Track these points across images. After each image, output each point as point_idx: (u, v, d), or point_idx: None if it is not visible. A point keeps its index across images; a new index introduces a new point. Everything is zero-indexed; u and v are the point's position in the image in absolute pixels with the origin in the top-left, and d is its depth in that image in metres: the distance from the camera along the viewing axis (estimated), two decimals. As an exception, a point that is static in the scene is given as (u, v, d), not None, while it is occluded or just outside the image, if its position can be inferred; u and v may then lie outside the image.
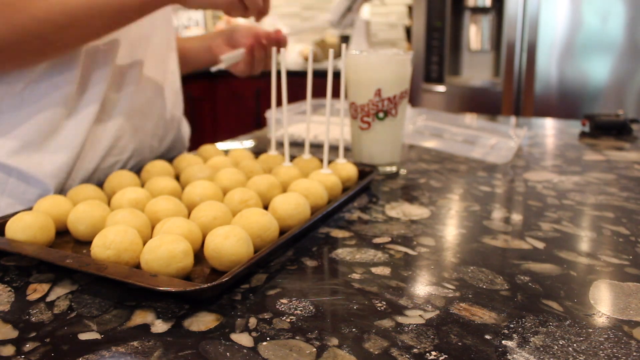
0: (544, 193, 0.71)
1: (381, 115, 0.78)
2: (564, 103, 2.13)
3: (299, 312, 0.40)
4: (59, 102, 0.64)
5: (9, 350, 0.35)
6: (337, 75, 0.67)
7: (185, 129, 0.93)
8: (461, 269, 0.48)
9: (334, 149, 0.93)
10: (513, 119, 1.39)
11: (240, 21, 3.23)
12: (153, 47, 0.78)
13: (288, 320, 0.39)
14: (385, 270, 0.47)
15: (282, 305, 0.41)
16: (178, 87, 0.87)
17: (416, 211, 0.64)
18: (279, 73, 0.73)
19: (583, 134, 1.13)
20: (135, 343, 0.36)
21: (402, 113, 0.80)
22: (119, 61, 0.72)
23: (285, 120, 0.72)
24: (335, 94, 0.76)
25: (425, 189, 0.73)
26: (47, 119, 0.64)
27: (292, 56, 3.20)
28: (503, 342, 0.36)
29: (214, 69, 0.86)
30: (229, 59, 0.84)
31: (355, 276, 0.46)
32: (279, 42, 0.85)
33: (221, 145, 0.95)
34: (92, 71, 0.68)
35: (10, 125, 0.63)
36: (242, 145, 1.03)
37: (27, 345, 0.36)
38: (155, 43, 0.79)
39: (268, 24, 3.23)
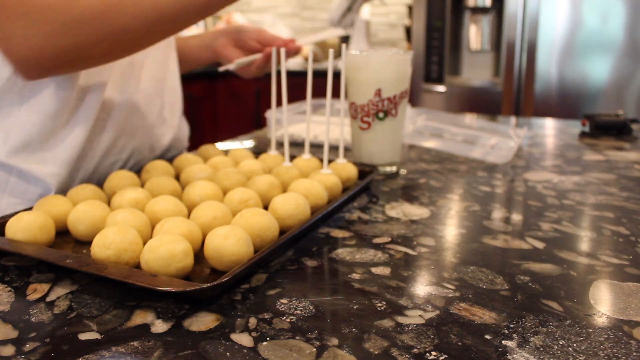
0: (544, 193, 0.71)
1: (381, 115, 0.78)
2: (564, 103, 2.13)
3: (299, 312, 0.40)
4: (60, 102, 0.64)
5: (9, 350, 0.35)
6: (337, 75, 0.67)
7: (185, 129, 0.93)
8: (461, 269, 0.48)
9: (334, 149, 0.93)
10: (513, 119, 1.39)
11: (240, 21, 3.23)
12: (153, 47, 0.78)
13: (288, 320, 0.39)
14: (385, 270, 0.47)
15: (282, 305, 0.41)
16: (178, 87, 0.87)
17: (416, 211, 0.64)
18: (279, 73, 0.73)
19: (583, 134, 1.13)
20: (135, 343, 0.36)
21: (402, 113, 0.80)
22: (119, 61, 0.72)
23: (285, 120, 0.72)
24: (335, 94, 0.76)
25: (425, 189, 0.73)
26: (49, 119, 0.64)
27: (292, 56, 3.20)
28: (503, 342, 0.36)
29: (222, 69, 0.86)
30: (241, 63, 0.84)
31: (355, 276, 0.46)
32: (295, 51, 0.85)
33: (221, 145, 0.95)
34: (93, 70, 0.68)
35: (10, 124, 0.63)
36: (242, 145, 1.03)
37: (27, 345, 0.36)
38: (155, 45, 0.79)
39: (268, 23, 3.23)
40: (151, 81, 0.78)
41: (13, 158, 0.63)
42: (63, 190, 0.67)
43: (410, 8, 2.95)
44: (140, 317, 0.40)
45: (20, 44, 0.55)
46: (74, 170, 0.68)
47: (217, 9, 0.63)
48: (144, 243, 0.46)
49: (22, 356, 0.35)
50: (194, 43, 0.94)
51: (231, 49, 0.89)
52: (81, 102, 0.67)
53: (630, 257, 0.50)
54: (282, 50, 0.72)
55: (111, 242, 0.45)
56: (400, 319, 0.39)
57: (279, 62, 0.74)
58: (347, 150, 0.91)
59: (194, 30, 3.49)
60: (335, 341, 0.36)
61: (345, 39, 3.13)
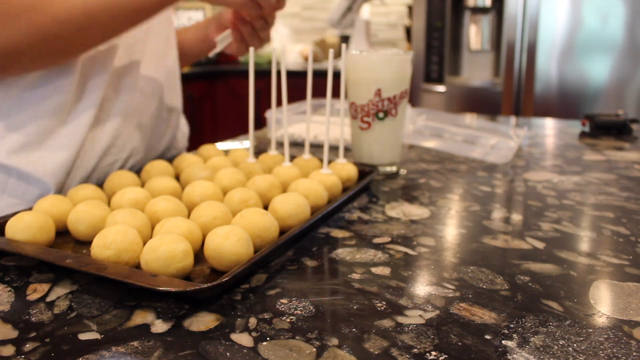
0: (544, 193, 0.71)
1: (381, 115, 0.78)
2: (564, 103, 2.13)
3: (299, 312, 0.40)
4: (58, 104, 0.64)
5: (9, 350, 0.35)
6: (337, 75, 0.67)
7: (184, 128, 0.93)
8: (461, 269, 0.48)
9: (334, 149, 0.93)
10: (513, 119, 1.39)
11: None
12: (152, 45, 0.78)
13: (288, 320, 0.39)
14: (385, 270, 0.47)
15: (282, 305, 0.41)
16: (177, 85, 0.87)
17: (416, 211, 0.64)
18: (279, 73, 0.73)
19: (583, 134, 1.13)
20: (135, 343, 0.36)
21: (402, 113, 0.80)
22: (118, 60, 0.72)
23: (285, 120, 0.72)
24: (335, 94, 0.76)
25: (425, 189, 0.73)
26: (47, 120, 0.64)
27: (292, 56, 3.20)
28: (503, 342, 0.36)
29: (211, 54, 0.86)
30: (220, 40, 0.83)
31: (355, 276, 0.46)
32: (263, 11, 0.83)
33: (221, 145, 0.95)
34: (90, 73, 0.68)
35: (9, 126, 0.64)
36: (242, 145, 1.03)
37: (27, 345, 0.36)
38: (154, 41, 0.79)
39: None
40: (150, 80, 0.78)
41: (12, 159, 0.63)
42: (62, 191, 0.67)
43: (410, 8, 2.95)
44: (140, 317, 0.40)
45: None
46: (72, 170, 0.68)
47: (147, 15, 0.64)
48: (144, 243, 0.46)
49: (22, 356, 0.35)
50: (190, 36, 0.94)
51: (218, 34, 0.88)
52: (79, 102, 0.67)
53: (630, 257, 0.50)
54: (283, 50, 0.72)
55: (111, 242, 0.45)
56: (400, 319, 0.39)
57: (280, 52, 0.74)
58: (347, 150, 0.91)
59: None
60: (335, 341, 0.36)
61: (345, 39, 3.13)
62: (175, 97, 0.86)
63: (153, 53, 0.78)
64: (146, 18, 0.64)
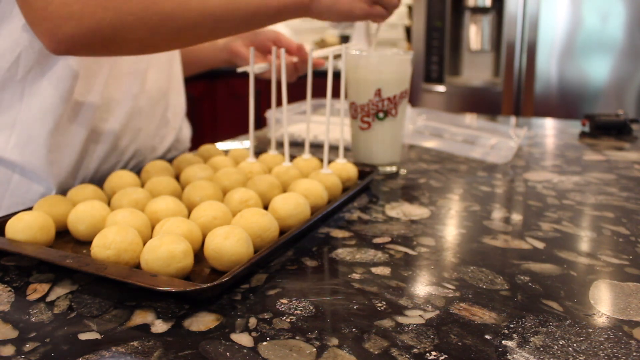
0: (544, 193, 0.71)
1: (381, 115, 0.78)
2: (564, 103, 2.13)
3: (299, 312, 0.40)
4: (60, 95, 0.64)
5: (9, 350, 0.35)
6: (337, 75, 0.67)
7: (187, 130, 0.93)
8: (461, 269, 0.48)
9: (334, 149, 0.93)
10: (513, 119, 1.39)
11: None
12: None
13: (288, 320, 0.39)
14: (385, 270, 0.47)
15: (282, 305, 0.41)
16: (181, 88, 0.87)
17: (416, 211, 0.64)
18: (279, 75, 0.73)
19: (583, 134, 1.13)
20: (135, 343, 0.36)
21: (402, 113, 0.80)
22: (124, 63, 0.72)
23: (285, 120, 0.72)
24: (335, 94, 0.76)
25: (425, 189, 0.73)
26: (49, 113, 0.64)
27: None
28: (503, 342, 0.36)
29: (240, 70, 0.85)
30: (260, 68, 0.83)
31: (355, 276, 0.46)
32: (301, 57, 0.85)
33: (221, 145, 0.95)
34: (94, 73, 0.67)
35: (12, 119, 0.63)
36: (242, 145, 1.03)
37: (27, 345, 0.36)
38: None
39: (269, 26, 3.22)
40: (156, 83, 0.78)
41: (17, 155, 0.63)
42: (64, 190, 0.67)
43: (410, 8, 2.95)
44: (140, 317, 0.40)
45: (58, 10, 0.52)
46: (75, 171, 0.68)
47: (264, 23, 0.63)
48: (144, 243, 0.46)
49: (22, 356, 0.35)
50: (209, 44, 0.94)
51: (245, 50, 0.88)
52: (83, 103, 0.67)
53: (630, 257, 0.50)
54: (282, 51, 0.72)
55: (111, 242, 0.45)
56: (400, 319, 0.39)
57: (278, 56, 0.74)
58: (347, 150, 0.91)
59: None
60: (335, 341, 0.36)
61: (345, 39, 3.13)
62: (179, 100, 0.86)
63: (159, 57, 0.78)
64: (258, 26, 0.64)
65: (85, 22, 0.52)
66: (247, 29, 0.64)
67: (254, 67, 0.80)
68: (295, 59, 0.85)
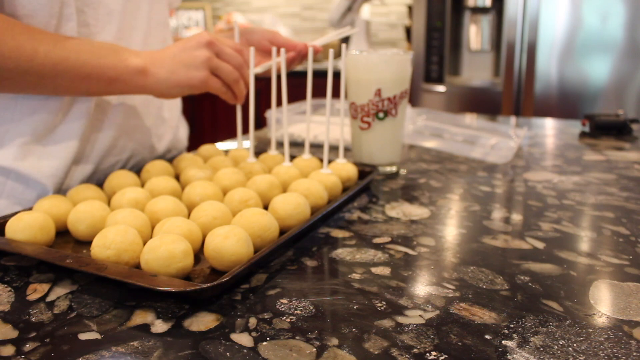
0: (544, 193, 0.71)
1: (381, 115, 0.78)
2: (564, 103, 2.13)
3: (299, 312, 0.40)
4: (53, 101, 0.64)
5: (9, 350, 0.35)
6: (337, 75, 0.67)
7: (184, 129, 0.93)
8: (461, 269, 0.48)
9: (334, 149, 0.93)
10: (513, 119, 1.39)
11: (240, 20, 3.23)
12: (150, 46, 0.78)
13: (288, 320, 0.39)
14: (385, 270, 0.47)
15: (282, 305, 0.41)
16: None
17: (416, 211, 0.64)
18: (279, 73, 0.73)
19: (583, 134, 1.13)
20: (135, 343, 0.36)
21: (402, 113, 0.80)
22: None
23: (285, 120, 0.72)
24: (335, 94, 0.76)
25: (425, 189, 0.73)
26: (42, 119, 0.64)
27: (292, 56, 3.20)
28: (503, 342, 0.36)
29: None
30: (263, 67, 0.83)
31: (355, 276, 0.46)
32: (302, 55, 0.84)
33: (221, 145, 0.95)
34: None
35: (5, 126, 0.63)
36: (242, 145, 1.03)
37: (27, 345, 0.36)
38: (153, 44, 0.79)
39: (268, 23, 3.23)
40: None
41: (10, 160, 0.63)
42: (61, 192, 0.67)
43: (410, 8, 2.95)
44: (140, 317, 0.40)
45: None
46: (72, 171, 0.68)
47: (100, 89, 0.63)
48: (144, 243, 0.46)
49: (22, 356, 0.35)
50: None
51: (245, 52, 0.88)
52: (75, 103, 0.67)
53: (630, 257, 0.50)
54: (282, 50, 0.72)
55: (111, 242, 0.45)
56: (400, 319, 0.39)
57: (279, 55, 0.74)
58: (347, 150, 0.91)
59: (195, 31, 3.49)
60: (335, 341, 0.36)
61: (345, 39, 3.13)
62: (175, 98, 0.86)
63: None
64: (98, 90, 0.63)
65: None
66: (88, 93, 0.64)
67: (257, 68, 0.80)
68: (292, 54, 0.84)
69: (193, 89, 0.65)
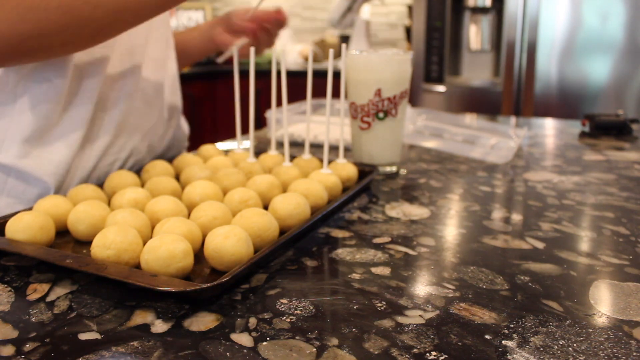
0: (544, 193, 0.71)
1: (381, 115, 0.78)
2: (564, 103, 2.13)
3: (299, 312, 0.40)
4: (53, 97, 0.64)
5: (9, 350, 0.35)
6: (337, 75, 0.67)
7: (184, 128, 0.93)
8: (461, 269, 0.48)
9: (334, 149, 0.93)
10: (513, 119, 1.39)
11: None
12: (152, 49, 0.78)
13: (288, 320, 0.39)
14: (385, 270, 0.47)
15: (282, 305, 0.41)
16: (177, 86, 0.87)
17: (416, 211, 0.64)
18: (279, 73, 0.73)
19: (583, 134, 1.13)
20: (135, 343, 0.36)
21: (402, 113, 0.80)
22: (119, 63, 0.72)
23: (285, 120, 0.73)
24: (335, 94, 0.76)
25: (425, 189, 0.73)
26: (42, 115, 0.64)
27: (292, 56, 3.20)
28: (503, 342, 0.36)
29: (220, 59, 0.86)
30: (233, 50, 0.84)
31: (355, 276, 0.46)
32: (280, 22, 0.84)
33: (221, 145, 0.95)
34: (87, 71, 0.67)
35: (5, 124, 0.63)
36: (242, 145, 1.03)
37: (27, 345, 0.36)
38: (154, 44, 0.79)
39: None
40: (150, 80, 0.78)
41: (11, 158, 0.63)
42: (62, 190, 0.67)
43: (410, 8, 2.95)
44: (140, 317, 0.40)
45: None
46: (72, 169, 0.68)
47: (177, 2, 0.63)
48: (144, 243, 0.46)
49: (22, 356, 0.35)
50: (195, 36, 0.94)
51: (226, 36, 0.89)
52: (75, 100, 0.67)
53: (630, 257, 0.50)
54: (283, 51, 0.72)
55: (111, 242, 0.45)
56: (400, 319, 0.39)
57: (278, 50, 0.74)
58: (347, 150, 0.91)
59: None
60: (335, 341, 0.36)
61: (345, 39, 3.13)
62: (175, 97, 0.86)
63: (153, 56, 0.79)
64: (172, 6, 0.63)
65: (7, 37, 0.54)
66: (160, 12, 0.63)
67: (230, 50, 0.80)
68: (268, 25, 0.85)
69: None
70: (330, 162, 0.71)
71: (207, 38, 0.92)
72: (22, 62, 0.61)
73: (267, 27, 0.85)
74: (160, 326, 0.38)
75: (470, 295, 0.43)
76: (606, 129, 1.11)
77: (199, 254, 0.49)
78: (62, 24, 0.56)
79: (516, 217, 0.62)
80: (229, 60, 0.88)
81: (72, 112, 0.67)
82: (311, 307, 0.41)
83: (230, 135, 0.95)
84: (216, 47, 0.92)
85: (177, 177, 0.71)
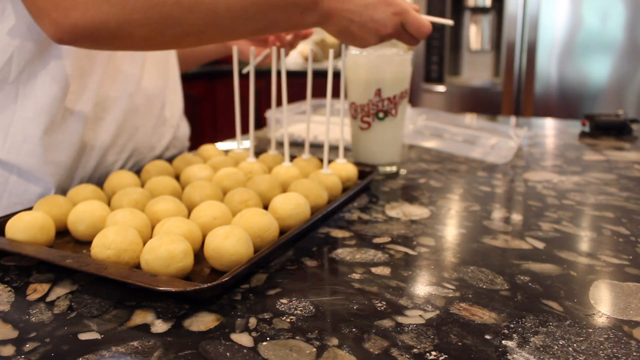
0: (544, 193, 0.71)
1: (381, 115, 0.78)
2: (564, 103, 2.13)
3: (299, 312, 0.40)
4: (54, 96, 0.64)
5: (9, 350, 0.35)
6: (337, 75, 0.67)
7: (185, 128, 0.93)
8: (461, 269, 0.48)
9: (334, 149, 0.93)
10: (513, 119, 1.39)
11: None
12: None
13: (288, 320, 0.39)
14: (385, 270, 0.47)
15: (282, 305, 0.41)
16: (178, 86, 0.87)
17: (416, 211, 0.64)
18: (279, 73, 0.73)
19: (583, 134, 1.13)
20: (135, 343, 0.36)
21: (402, 113, 0.80)
22: (120, 62, 0.72)
23: (285, 120, 0.73)
24: (335, 94, 0.76)
25: (425, 189, 0.73)
26: (43, 113, 0.64)
27: (292, 56, 3.20)
28: (503, 342, 0.36)
29: (244, 71, 0.85)
30: (262, 56, 0.84)
31: (355, 276, 0.46)
32: (305, 35, 0.84)
33: (221, 145, 0.95)
34: (88, 65, 0.67)
35: (7, 121, 0.63)
36: (241, 145, 1.03)
37: (27, 345, 0.36)
38: None
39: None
40: (152, 81, 0.78)
41: (13, 156, 0.63)
42: (62, 190, 0.67)
43: (410, 8, 2.94)
44: (140, 317, 0.40)
45: (64, 0, 0.52)
46: (73, 169, 0.68)
47: (274, 30, 0.62)
48: (144, 243, 0.46)
49: (22, 356, 0.35)
50: None
51: (245, 43, 0.89)
52: (77, 99, 0.67)
53: (630, 257, 0.50)
54: (282, 51, 0.72)
55: (111, 242, 0.45)
56: (400, 319, 0.39)
57: (278, 60, 0.74)
58: (347, 150, 0.91)
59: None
60: (335, 341, 0.36)
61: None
62: (175, 98, 0.86)
63: (154, 56, 0.79)
64: (269, 33, 0.62)
65: (90, 13, 0.52)
66: (256, 35, 0.63)
67: (254, 63, 0.80)
68: (289, 37, 0.84)
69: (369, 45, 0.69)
70: (330, 162, 0.71)
71: (221, 43, 0.92)
72: (97, 46, 0.58)
73: (287, 39, 0.84)
74: (160, 326, 0.38)
75: (470, 295, 0.43)
76: (606, 129, 1.11)
77: (199, 254, 0.49)
78: (146, 17, 0.54)
79: (516, 217, 0.62)
80: (229, 60, 0.88)
81: (73, 113, 0.67)
82: (311, 307, 0.41)
83: (230, 135, 0.95)
84: (228, 51, 0.91)
85: (177, 177, 0.71)
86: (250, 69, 0.76)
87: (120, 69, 0.72)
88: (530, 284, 0.45)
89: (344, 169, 0.70)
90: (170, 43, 0.59)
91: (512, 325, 0.38)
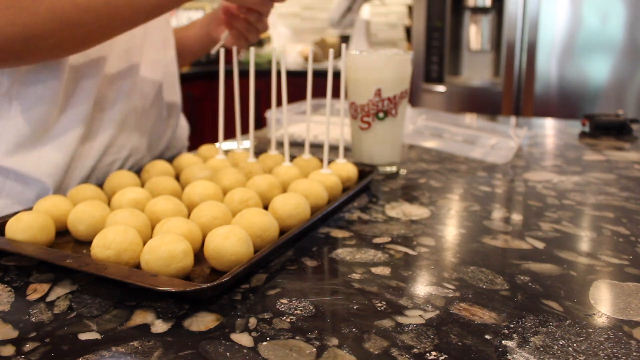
0: (544, 193, 0.71)
1: (381, 115, 0.78)
2: (564, 103, 2.13)
3: (299, 312, 0.40)
4: (48, 98, 0.64)
5: (9, 350, 0.35)
6: (337, 75, 0.67)
7: (184, 128, 0.93)
8: (461, 269, 0.48)
9: (334, 149, 0.93)
10: (513, 119, 1.39)
11: None
12: (150, 48, 0.78)
13: (288, 320, 0.39)
14: (385, 270, 0.47)
15: (282, 305, 0.41)
16: (176, 85, 0.87)
17: (416, 211, 0.64)
18: (279, 73, 0.73)
19: (583, 134, 1.13)
20: (135, 343, 0.36)
21: (402, 113, 0.80)
22: (116, 63, 0.72)
23: (285, 120, 0.73)
24: (335, 94, 0.76)
25: (425, 189, 0.73)
26: (38, 117, 0.64)
27: (292, 56, 3.20)
28: (503, 342, 0.36)
29: (212, 51, 0.86)
30: (222, 40, 0.84)
31: (355, 276, 0.46)
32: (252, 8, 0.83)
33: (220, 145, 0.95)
34: (83, 72, 0.67)
35: (2, 126, 0.63)
36: (242, 145, 1.03)
37: (27, 345, 0.36)
38: (152, 44, 0.79)
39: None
40: (150, 82, 0.78)
41: (8, 160, 0.63)
42: (61, 190, 0.67)
43: (410, 8, 2.95)
44: (140, 317, 0.40)
45: None
46: (71, 170, 0.68)
47: (169, 8, 0.63)
48: (144, 243, 0.46)
49: (22, 356, 0.35)
50: (194, 33, 0.94)
51: (221, 29, 0.88)
52: (72, 100, 0.67)
53: (630, 257, 0.50)
54: (283, 51, 0.72)
55: (111, 242, 0.45)
56: (400, 319, 0.39)
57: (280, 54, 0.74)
58: (347, 150, 0.91)
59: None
60: (335, 341, 0.36)
61: (345, 39, 3.13)
62: (174, 96, 0.86)
63: (151, 55, 0.78)
64: (163, 12, 0.64)
65: None
66: (151, 19, 0.64)
67: (220, 41, 0.80)
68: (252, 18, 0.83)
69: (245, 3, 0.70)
70: (330, 162, 0.71)
71: (205, 34, 0.92)
72: (9, 65, 0.61)
73: (239, 15, 0.83)
74: (160, 326, 0.38)
75: (470, 295, 0.43)
76: (606, 129, 1.11)
77: (199, 254, 0.49)
78: (50, 28, 0.56)
79: (516, 217, 0.62)
80: (229, 61, 0.88)
81: (69, 113, 0.67)
82: (311, 307, 0.41)
83: (230, 135, 0.95)
84: (214, 41, 0.92)
85: (177, 177, 0.71)
86: (218, 48, 0.78)
87: (117, 69, 0.72)
88: (530, 284, 0.45)
89: (344, 169, 0.70)
90: (77, 47, 0.61)
91: (512, 325, 0.38)
